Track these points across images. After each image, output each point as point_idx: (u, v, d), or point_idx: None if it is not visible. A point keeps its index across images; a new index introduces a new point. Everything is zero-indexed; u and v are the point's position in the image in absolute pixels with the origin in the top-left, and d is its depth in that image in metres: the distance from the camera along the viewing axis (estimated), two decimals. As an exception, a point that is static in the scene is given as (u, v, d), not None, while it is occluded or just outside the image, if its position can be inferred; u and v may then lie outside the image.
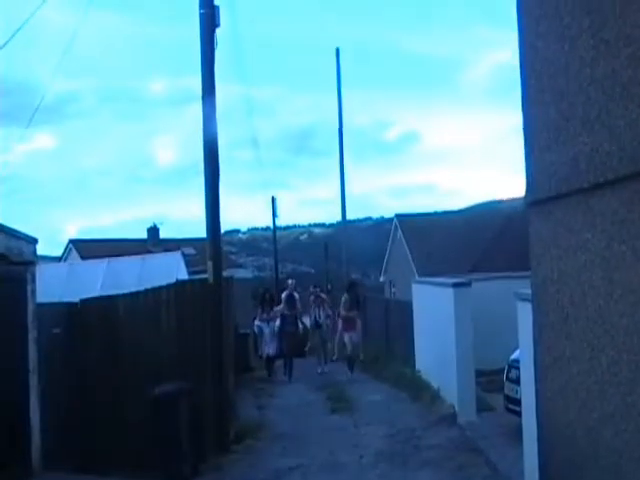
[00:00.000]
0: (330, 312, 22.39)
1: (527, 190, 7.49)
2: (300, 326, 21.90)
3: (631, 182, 5.37)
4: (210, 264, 11.68)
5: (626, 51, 5.34)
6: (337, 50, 33.64)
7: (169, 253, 25.21)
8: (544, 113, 7.02)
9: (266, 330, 21.27)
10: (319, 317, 21.90)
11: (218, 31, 12.11)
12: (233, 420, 11.85)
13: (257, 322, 21.83)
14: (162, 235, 46.53)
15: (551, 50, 6.78)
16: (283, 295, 21.87)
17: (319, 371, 20.90)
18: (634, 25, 5.22)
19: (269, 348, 21.10)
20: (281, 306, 21.40)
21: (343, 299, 21.40)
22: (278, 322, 21.06)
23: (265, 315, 21.57)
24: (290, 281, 23.10)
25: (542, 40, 7.01)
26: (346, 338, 20.38)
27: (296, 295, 21.68)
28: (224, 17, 12.20)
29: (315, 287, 23.22)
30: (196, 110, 12.19)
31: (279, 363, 21.33)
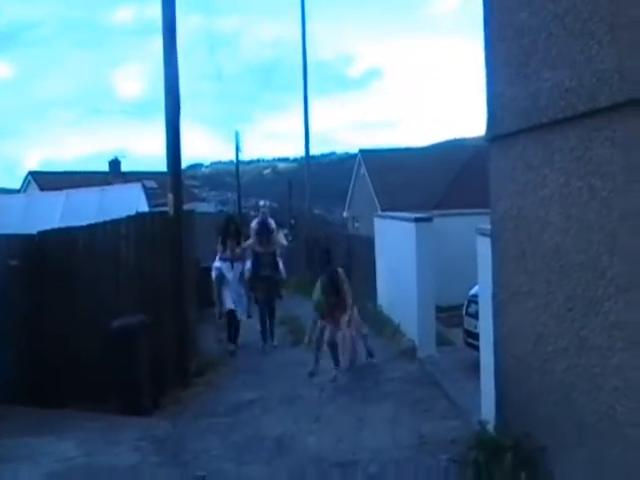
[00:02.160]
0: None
1: (488, 126, 7.48)
2: (281, 268, 15.55)
3: (589, 119, 5.37)
4: (170, 196, 11.58)
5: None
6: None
7: (129, 185, 24.92)
8: (506, 49, 6.99)
9: (229, 275, 14.73)
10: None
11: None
12: (194, 354, 11.88)
13: (217, 263, 15.07)
14: (124, 169, 46.15)
15: (514, -17, 6.72)
16: (253, 224, 15.54)
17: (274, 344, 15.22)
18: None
19: (232, 302, 14.64)
20: (251, 240, 15.16)
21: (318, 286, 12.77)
22: (248, 264, 15.09)
23: (228, 253, 14.91)
24: (262, 203, 17.01)
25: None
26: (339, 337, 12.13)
27: (272, 223, 15.54)
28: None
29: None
30: (159, 42, 11.96)
31: (249, 328, 15.55)
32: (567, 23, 5.66)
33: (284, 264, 16.16)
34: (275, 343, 15.06)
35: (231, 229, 15.26)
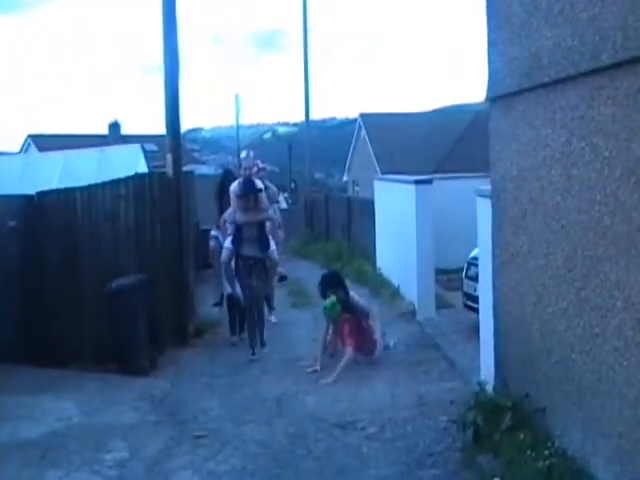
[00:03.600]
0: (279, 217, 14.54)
1: (489, 85, 7.44)
2: (272, 247, 11.84)
3: (592, 78, 5.32)
4: (169, 157, 11.52)
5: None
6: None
7: (128, 145, 24.81)
8: (507, 7, 6.92)
9: (229, 245, 11.58)
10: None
11: None
12: (192, 315, 11.88)
13: (214, 231, 12.73)
14: (124, 132, 45.94)
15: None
16: (234, 186, 11.50)
17: (273, 320, 13.02)
18: None
19: (231, 282, 11.82)
20: (229, 210, 11.66)
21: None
22: (228, 241, 11.61)
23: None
24: (245, 154, 12.96)
25: None
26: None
27: (259, 183, 11.76)
28: None
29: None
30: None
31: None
32: (570, -20, 5.59)
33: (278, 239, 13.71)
34: (265, 349, 11.22)
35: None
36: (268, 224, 12.08)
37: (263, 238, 11.38)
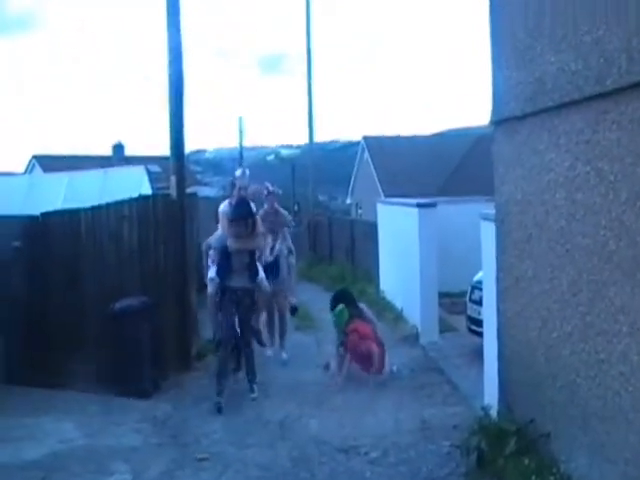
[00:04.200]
0: (290, 243, 12.75)
1: (493, 110, 7.46)
2: (261, 276, 10.74)
3: (597, 102, 5.33)
4: (173, 179, 11.53)
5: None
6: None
7: (132, 167, 24.83)
8: (511, 32, 6.95)
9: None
10: (270, 250, 11.93)
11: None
12: (195, 337, 11.85)
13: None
14: (128, 153, 46.01)
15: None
16: (224, 207, 10.90)
17: (269, 353, 11.99)
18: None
19: (215, 324, 10.85)
20: (218, 232, 10.86)
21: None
22: (213, 271, 10.68)
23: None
24: (240, 171, 12.03)
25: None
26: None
27: (253, 206, 10.84)
28: None
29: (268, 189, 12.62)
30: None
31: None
32: (573, 4, 5.61)
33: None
34: (255, 394, 9.95)
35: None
36: (258, 253, 10.76)
37: (253, 267, 10.18)
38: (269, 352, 11.96)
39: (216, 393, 9.55)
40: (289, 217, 12.91)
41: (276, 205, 12.40)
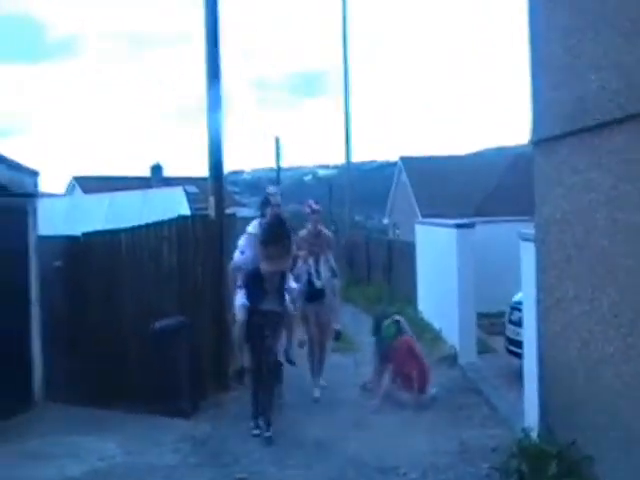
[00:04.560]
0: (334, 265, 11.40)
1: (533, 129, 7.44)
2: (287, 297, 9.74)
3: (638, 121, 5.29)
4: (212, 199, 11.59)
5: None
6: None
7: (171, 188, 24.98)
8: (551, 51, 6.93)
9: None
10: (316, 274, 11.03)
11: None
12: (232, 358, 11.86)
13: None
14: (166, 174, 46.35)
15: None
16: (251, 227, 10.31)
17: (316, 395, 10.92)
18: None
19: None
20: (245, 253, 10.06)
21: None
22: (241, 296, 9.67)
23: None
24: (273, 189, 11.18)
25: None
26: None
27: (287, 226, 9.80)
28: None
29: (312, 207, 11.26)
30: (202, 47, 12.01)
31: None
32: (615, 22, 5.60)
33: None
34: (269, 433, 9.04)
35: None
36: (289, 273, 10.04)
37: (282, 289, 9.51)
38: (317, 394, 10.86)
39: (253, 423, 9.34)
40: (332, 238, 11.84)
41: (320, 226, 11.37)
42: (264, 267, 9.21)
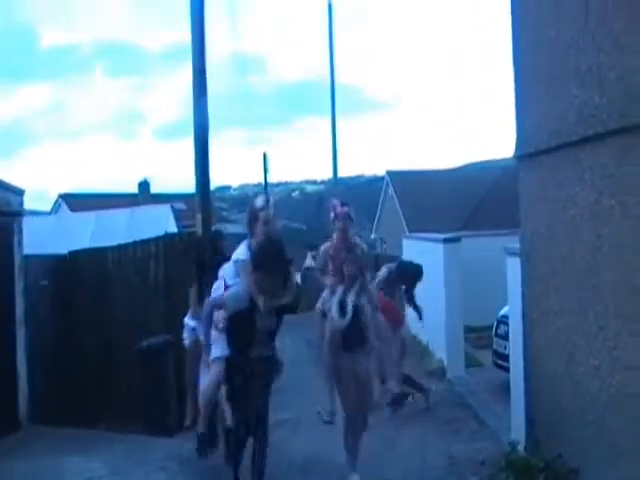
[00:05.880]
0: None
1: (517, 144, 7.46)
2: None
3: (621, 136, 5.34)
4: (199, 217, 11.58)
5: (619, 3, 5.28)
6: (329, 4, 33.31)
7: (158, 205, 25.00)
8: (535, 65, 6.97)
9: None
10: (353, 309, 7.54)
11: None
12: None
13: (189, 319, 9.13)
14: (153, 191, 46.29)
15: (543, 1, 6.73)
16: (242, 251, 7.68)
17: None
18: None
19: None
20: (231, 288, 7.47)
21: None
22: (219, 344, 7.27)
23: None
24: (262, 201, 7.87)
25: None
26: None
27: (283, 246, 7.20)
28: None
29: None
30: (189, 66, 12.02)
31: None
32: (598, 39, 5.63)
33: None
34: None
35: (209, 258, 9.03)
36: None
37: (275, 330, 7.29)
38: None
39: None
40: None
41: (351, 235, 8.67)
42: (258, 304, 6.96)
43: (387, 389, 8.93)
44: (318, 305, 8.09)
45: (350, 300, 7.55)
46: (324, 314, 7.86)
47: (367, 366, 7.72)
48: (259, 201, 7.90)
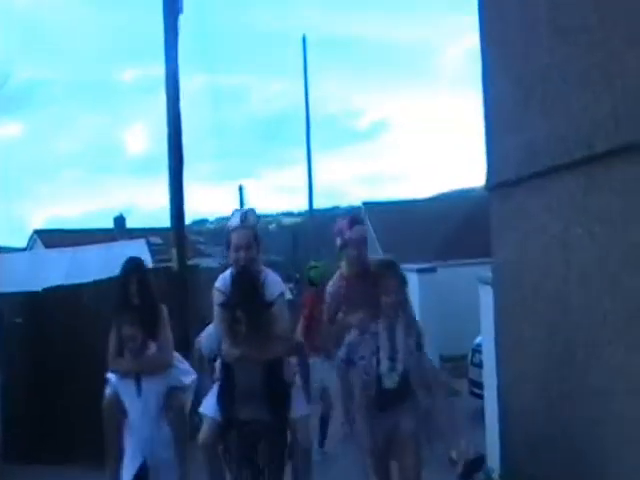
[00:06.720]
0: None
1: (488, 174, 7.57)
2: (302, 404, 6.14)
3: (587, 166, 5.44)
4: (174, 251, 11.61)
5: (583, 38, 5.40)
6: (303, 38, 33.61)
7: (133, 241, 24.89)
8: (503, 98, 7.09)
9: (132, 405, 6.97)
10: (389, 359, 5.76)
11: (182, 18, 11.92)
12: (194, 410, 11.79)
13: (110, 374, 7.27)
14: (130, 225, 46.18)
15: (511, 35, 6.86)
16: (218, 285, 6.16)
17: None
18: (589, 13, 5.29)
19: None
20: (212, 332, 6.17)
21: None
22: (209, 399, 6.21)
23: (127, 360, 6.91)
24: (238, 218, 6.16)
25: (502, 25, 7.07)
26: None
27: (278, 284, 6.19)
28: (188, 4, 11.98)
29: None
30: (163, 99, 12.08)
31: None
32: (563, 72, 5.75)
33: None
34: None
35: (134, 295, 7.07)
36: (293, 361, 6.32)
37: (278, 386, 5.98)
38: None
39: None
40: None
41: (370, 260, 6.57)
42: (226, 351, 5.91)
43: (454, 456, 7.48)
44: (340, 354, 5.95)
45: (401, 346, 5.79)
46: (348, 362, 5.88)
47: (412, 423, 5.93)
48: (234, 219, 6.22)
